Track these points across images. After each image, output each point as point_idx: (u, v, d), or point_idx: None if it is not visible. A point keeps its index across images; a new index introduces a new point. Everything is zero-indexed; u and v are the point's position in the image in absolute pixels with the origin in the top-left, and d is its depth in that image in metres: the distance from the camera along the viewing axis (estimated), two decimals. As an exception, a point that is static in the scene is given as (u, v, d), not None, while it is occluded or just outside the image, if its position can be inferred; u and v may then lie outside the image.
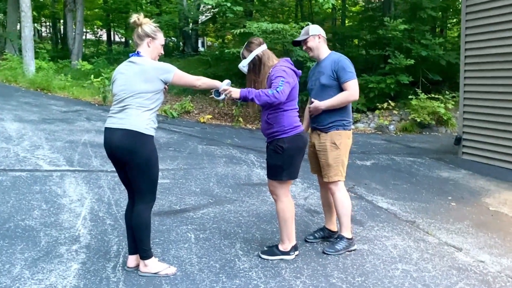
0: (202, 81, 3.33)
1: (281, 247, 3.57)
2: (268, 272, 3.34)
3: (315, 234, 4.00)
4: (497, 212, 5.01)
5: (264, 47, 3.52)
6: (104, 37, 31.88)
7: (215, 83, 3.36)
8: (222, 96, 3.40)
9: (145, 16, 3.27)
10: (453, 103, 11.08)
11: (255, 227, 4.26)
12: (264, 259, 3.53)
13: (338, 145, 3.73)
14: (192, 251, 3.66)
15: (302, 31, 3.89)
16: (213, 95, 3.43)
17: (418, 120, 10.75)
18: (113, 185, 5.21)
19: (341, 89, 3.71)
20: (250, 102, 3.40)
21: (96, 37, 31.20)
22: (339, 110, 3.73)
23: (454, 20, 16.37)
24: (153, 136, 3.18)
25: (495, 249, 3.95)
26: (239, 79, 10.99)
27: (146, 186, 3.18)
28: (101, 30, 31.08)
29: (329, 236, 3.98)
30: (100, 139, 7.69)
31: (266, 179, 3.64)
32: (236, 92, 3.34)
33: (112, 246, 3.67)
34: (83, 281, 3.08)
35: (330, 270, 3.41)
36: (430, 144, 9.27)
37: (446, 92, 11.68)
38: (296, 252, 3.61)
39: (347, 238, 3.79)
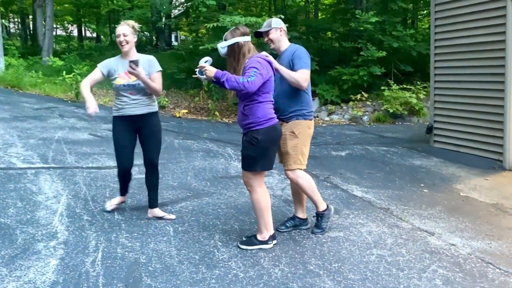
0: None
1: (259, 237, 3.63)
2: (247, 261, 3.39)
3: (287, 224, 4.06)
4: (467, 197, 5.17)
5: (247, 38, 3.54)
6: (75, 33, 31.30)
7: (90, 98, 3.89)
8: (205, 76, 3.42)
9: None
10: (424, 93, 11.30)
11: (234, 219, 4.30)
12: (243, 249, 3.59)
13: (297, 134, 3.80)
14: (171, 243, 3.69)
15: (265, 23, 3.98)
16: (197, 75, 3.45)
17: (391, 110, 10.94)
18: (89, 181, 5.18)
19: None
20: (228, 90, 3.44)
21: (66, 32, 30.61)
22: (299, 99, 3.82)
23: (425, 11, 16.66)
24: (116, 116, 4.07)
25: (465, 233, 4.09)
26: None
27: None
28: (72, 25, 30.52)
29: (299, 224, 4.07)
30: (74, 136, 7.65)
31: (242, 170, 3.68)
32: (211, 72, 3.39)
33: (90, 242, 3.67)
34: (63, 276, 3.08)
35: (307, 257, 3.48)
36: (402, 134, 9.45)
37: (418, 82, 11.91)
38: (274, 241, 3.67)
39: (326, 211, 3.97)
